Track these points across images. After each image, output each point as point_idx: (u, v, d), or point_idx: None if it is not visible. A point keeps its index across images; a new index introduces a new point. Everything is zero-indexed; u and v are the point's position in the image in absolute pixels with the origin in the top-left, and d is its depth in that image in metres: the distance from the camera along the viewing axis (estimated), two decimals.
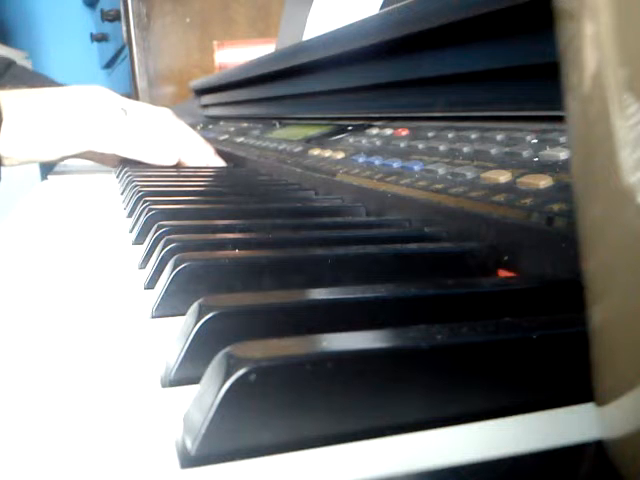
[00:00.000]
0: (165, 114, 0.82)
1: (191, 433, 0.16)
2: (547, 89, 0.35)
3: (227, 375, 0.16)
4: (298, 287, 0.28)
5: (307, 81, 0.75)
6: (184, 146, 0.81)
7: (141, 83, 1.76)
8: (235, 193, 0.56)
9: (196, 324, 0.20)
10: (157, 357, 0.23)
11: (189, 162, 0.81)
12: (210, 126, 1.21)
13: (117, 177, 0.78)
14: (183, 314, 0.22)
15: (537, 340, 0.18)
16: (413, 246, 0.31)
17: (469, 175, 0.36)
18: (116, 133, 0.76)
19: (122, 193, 0.65)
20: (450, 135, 0.45)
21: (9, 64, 0.88)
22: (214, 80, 1.19)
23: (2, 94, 0.70)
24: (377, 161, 0.47)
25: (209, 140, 0.92)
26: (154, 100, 1.75)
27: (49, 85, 0.86)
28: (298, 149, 0.65)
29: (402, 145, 0.48)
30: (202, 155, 0.82)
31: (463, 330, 0.18)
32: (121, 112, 0.76)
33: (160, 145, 0.79)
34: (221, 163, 0.85)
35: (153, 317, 0.27)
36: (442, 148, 0.43)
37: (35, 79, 0.89)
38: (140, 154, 0.78)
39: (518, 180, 0.32)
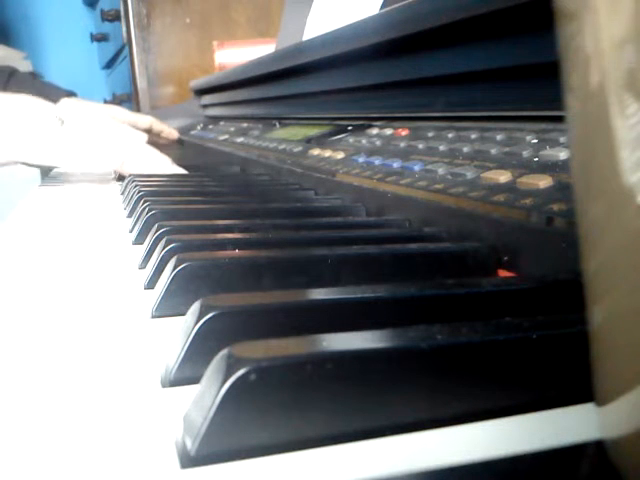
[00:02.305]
0: (106, 120, 0.77)
1: (191, 433, 0.16)
2: (547, 89, 0.35)
3: (227, 375, 0.16)
4: (298, 287, 0.28)
5: (307, 81, 0.75)
6: (128, 152, 0.75)
7: (141, 83, 1.76)
8: (235, 193, 0.56)
9: (196, 324, 0.20)
10: (157, 357, 0.23)
11: (134, 169, 0.75)
12: (210, 126, 1.21)
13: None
14: (183, 314, 0.22)
15: (537, 340, 0.18)
16: (413, 246, 0.31)
17: (469, 175, 0.36)
18: (47, 144, 0.71)
19: (122, 193, 0.65)
20: (450, 135, 0.45)
21: (11, 72, 0.87)
22: (214, 80, 1.19)
23: None
24: (377, 161, 0.47)
25: (209, 140, 0.92)
26: (154, 100, 1.75)
27: (54, 91, 0.85)
28: (298, 149, 0.65)
29: (402, 145, 0.48)
30: (149, 162, 0.76)
31: (463, 330, 0.18)
32: (56, 122, 0.71)
33: (97, 152, 0.74)
34: (178, 171, 0.79)
35: (153, 317, 0.27)
36: (442, 148, 0.43)
37: (39, 85, 0.88)
38: (74, 163, 0.73)
39: (518, 180, 0.32)
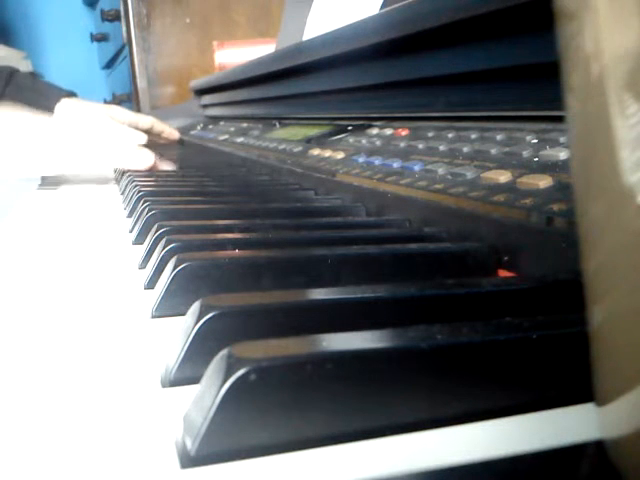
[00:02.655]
0: (102, 122, 0.78)
1: (191, 433, 0.16)
2: (547, 89, 0.35)
3: (227, 375, 0.16)
4: (298, 287, 0.28)
5: (307, 81, 0.75)
6: (120, 154, 0.76)
7: (141, 83, 1.76)
8: (235, 193, 0.56)
9: (196, 324, 0.20)
10: (157, 357, 0.23)
11: (124, 166, 0.76)
12: (210, 126, 1.21)
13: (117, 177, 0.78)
14: (183, 314, 0.22)
15: (537, 340, 0.18)
16: (413, 246, 0.31)
17: (469, 175, 0.36)
18: (40, 157, 0.72)
19: (122, 193, 0.65)
20: (450, 135, 0.44)
21: (11, 72, 0.87)
22: (214, 80, 1.19)
23: None
24: (377, 161, 0.47)
25: (209, 140, 0.92)
26: (154, 100, 1.75)
27: (54, 91, 0.85)
28: (298, 149, 0.65)
29: (402, 145, 0.48)
30: (141, 164, 0.76)
31: (463, 330, 0.18)
32: (47, 132, 0.72)
33: (87, 153, 0.75)
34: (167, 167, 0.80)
35: (153, 317, 0.27)
36: (442, 148, 0.43)
37: (39, 85, 0.88)
38: (68, 169, 0.74)
39: (518, 180, 0.32)
